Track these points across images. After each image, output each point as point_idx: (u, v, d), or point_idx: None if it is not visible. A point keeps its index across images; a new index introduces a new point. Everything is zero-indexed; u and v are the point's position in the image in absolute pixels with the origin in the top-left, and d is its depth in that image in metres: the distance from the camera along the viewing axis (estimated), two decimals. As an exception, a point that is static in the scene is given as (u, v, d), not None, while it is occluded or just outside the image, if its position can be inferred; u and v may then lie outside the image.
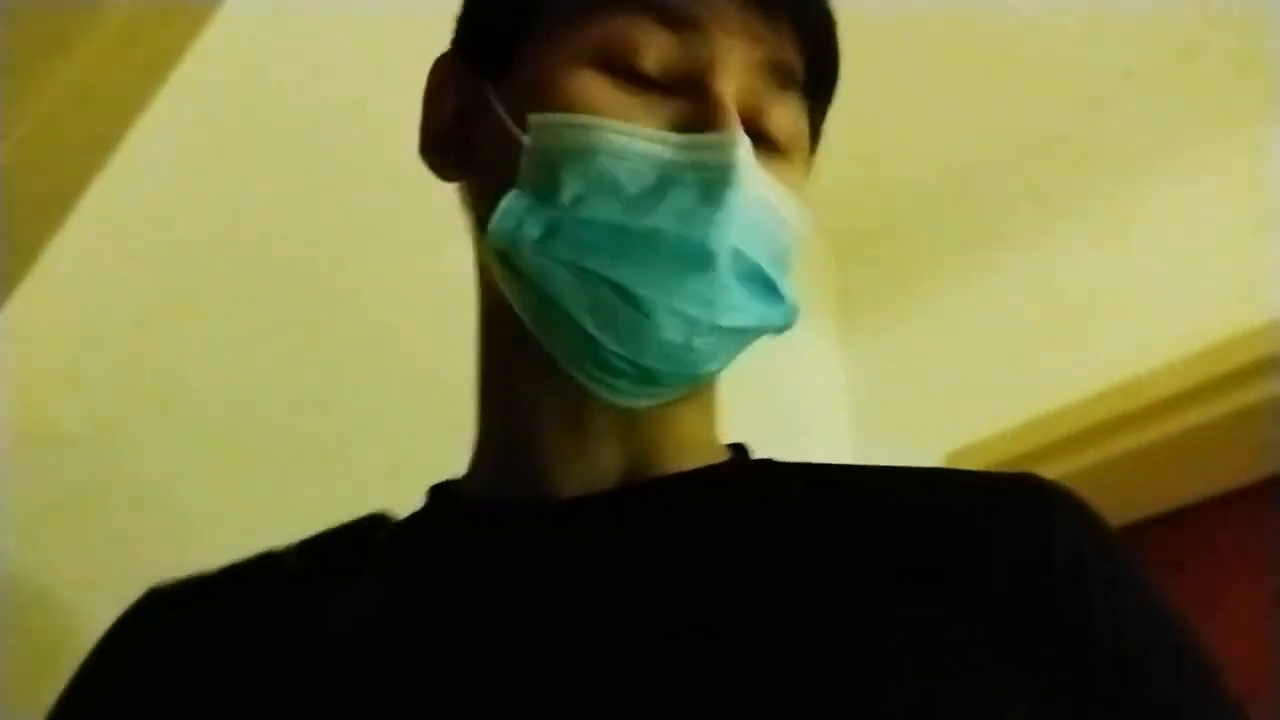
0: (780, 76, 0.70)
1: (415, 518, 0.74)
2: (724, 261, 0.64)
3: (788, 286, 0.69)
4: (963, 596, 0.62)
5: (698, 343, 0.65)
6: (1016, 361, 2.08)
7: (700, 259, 0.64)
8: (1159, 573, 0.67)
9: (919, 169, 2.30)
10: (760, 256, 0.66)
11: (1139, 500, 1.93)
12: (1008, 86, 2.11)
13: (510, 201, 0.66)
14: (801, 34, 0.71)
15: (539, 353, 0.68)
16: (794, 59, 0.70)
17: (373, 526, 0.72)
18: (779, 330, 0.70)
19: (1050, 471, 0.78)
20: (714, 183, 0.64)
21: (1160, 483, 1.96)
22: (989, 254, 2.19)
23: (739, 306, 0.66)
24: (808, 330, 2.22)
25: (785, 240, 0.69)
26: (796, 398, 2.15)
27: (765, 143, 0.69)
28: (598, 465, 0.69)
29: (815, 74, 0.72)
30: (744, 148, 0.65)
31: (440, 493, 0.75)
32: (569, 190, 0.65)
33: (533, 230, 0.65)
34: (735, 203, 0.64)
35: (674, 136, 0.65)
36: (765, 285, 0.67)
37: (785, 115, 0.70)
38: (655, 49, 0.67)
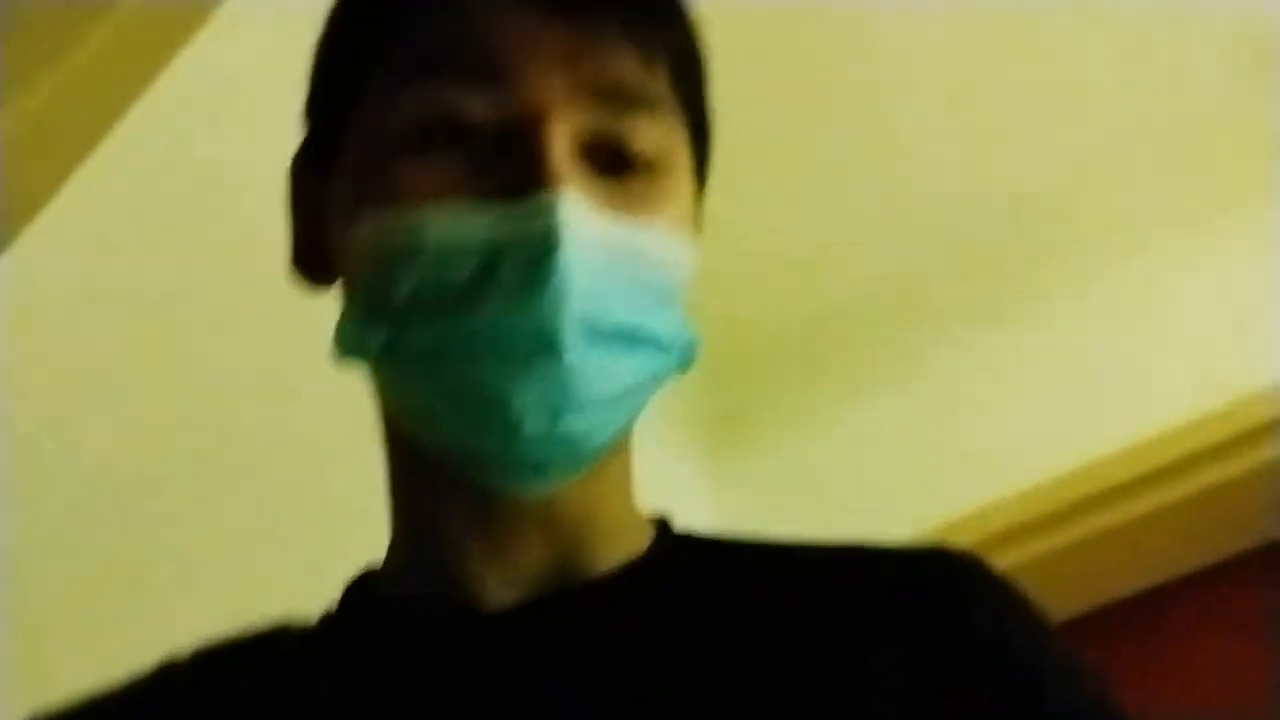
0: (621, 95, 0.63)
1: (332, 622, 0.70)
2: (569, 339, 0.59)
3: (673, 323, 0.64)
4: (888, 657, 0.63)
5: (569, 426, 0.60)
6: (886, 486, 2.15)
7: (541, 343, 0.59)
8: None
9: (790, 300, 2.38)
10: (622, 311, 0.61)
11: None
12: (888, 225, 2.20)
13: (346, 318, 0.64)
14: (637, 35, 0.64)
15: (432, 455, 0.65)
16: (632, 70, 0.63)
17: (277, 638, 0.69)
18: (680, 370, 0.66)
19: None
20: (539, 256, 0.58)
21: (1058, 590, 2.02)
22: (861, 380, 2.27)
23: (607, 375, 0.61)
24: (674, 451, 2.26)
25: (659, 275, 0.63)
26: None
27: (633, 175, 0.63)
28: (520, 564, 0.65)
29: (672, 66, 0.66)
30: (566, 204, 0.58)
31: (360, 584, 0.71)
32: (400, 290, 0.60)
33: (376, 341, 0.61)
34: (568, 270, 0.58)
35: (493, 208, 0.60)
36: (638, 338, 0.62)
37: (639, 134, 0.63)
38: (470, 109, 0.62)
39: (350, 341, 0.63)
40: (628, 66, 0.63)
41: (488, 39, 0.62)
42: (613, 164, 0.63)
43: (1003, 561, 1.85)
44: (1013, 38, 1.98)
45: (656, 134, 0.64)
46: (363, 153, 0.64)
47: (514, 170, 0.60)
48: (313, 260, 0.70)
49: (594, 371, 0.60)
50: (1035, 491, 2.01)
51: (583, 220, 0.59)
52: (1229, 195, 2.04)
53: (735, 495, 2.34)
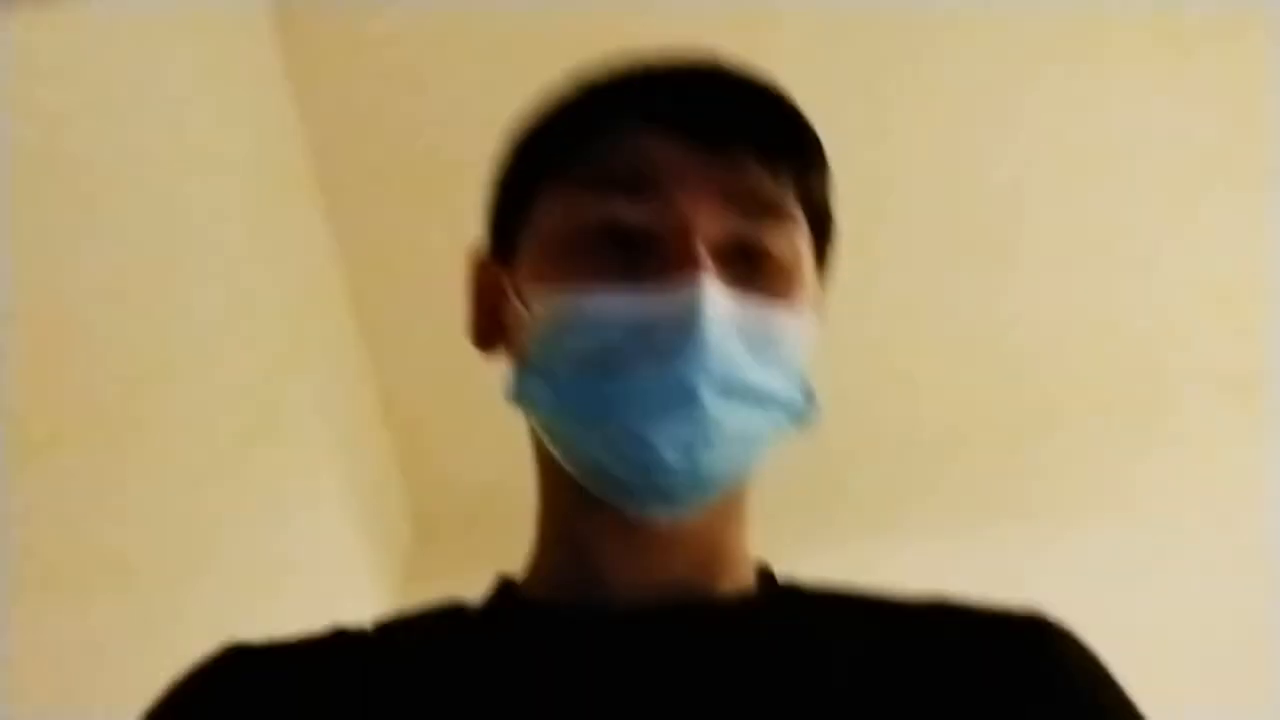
0: (753, 204, 0.76)
1: (488, 611, 0.80)
2: (706, 391, 0.71)
3: (794, 387, 0.76)
4: (980, 706, 0.71)
5: (701, 462, 0.72)
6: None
7: (683, 394, 0.71)
8: None
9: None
10: (750, 374, 0.73)
11: None
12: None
13: (520, 372, 0.77)
14: (765, 156, 0.77)
15: (582, 484, 0.76)
16: (760, 184, 0.77)
17: (451, 615, 0.80)
18: (802, 422, 0.78)
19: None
20: (683, 324, 0.71)
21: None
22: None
23: (734, 423, 0.73)
24: (367, 576, 2.24)
25: (783, 347, 0.75)
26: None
27: (761, 269, 0.76)
28: (649, 578, 0.76)
29: (796, 177, 0.78)
30: (707, 284, 0.71)
31: (505, 589, 0.82)
32: (564, 353, 0.74)
33: (543, 392, 0.75)
34: (707, 335, 0.71)
35: (647, 287, 0.72)
36: (761, 396, 0.74)
37: (770, 238, 0.76)
38: (626, 218, 0.75)
39: (521, 392, 0.76)
40: (757, 182, 0.76)
41: (642, 162, 0.76)
42: (746, 263, 0.75)
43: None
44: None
45: (782, 237, 0.77)
46: (540, 247, 0.78)
47: (662, 264, 0.73)
48: (489, 331, 0.84)
49: (724, 419, 0.72)
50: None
51: (719, 297, 0.72)
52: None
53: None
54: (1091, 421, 2.61)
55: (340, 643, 0.77)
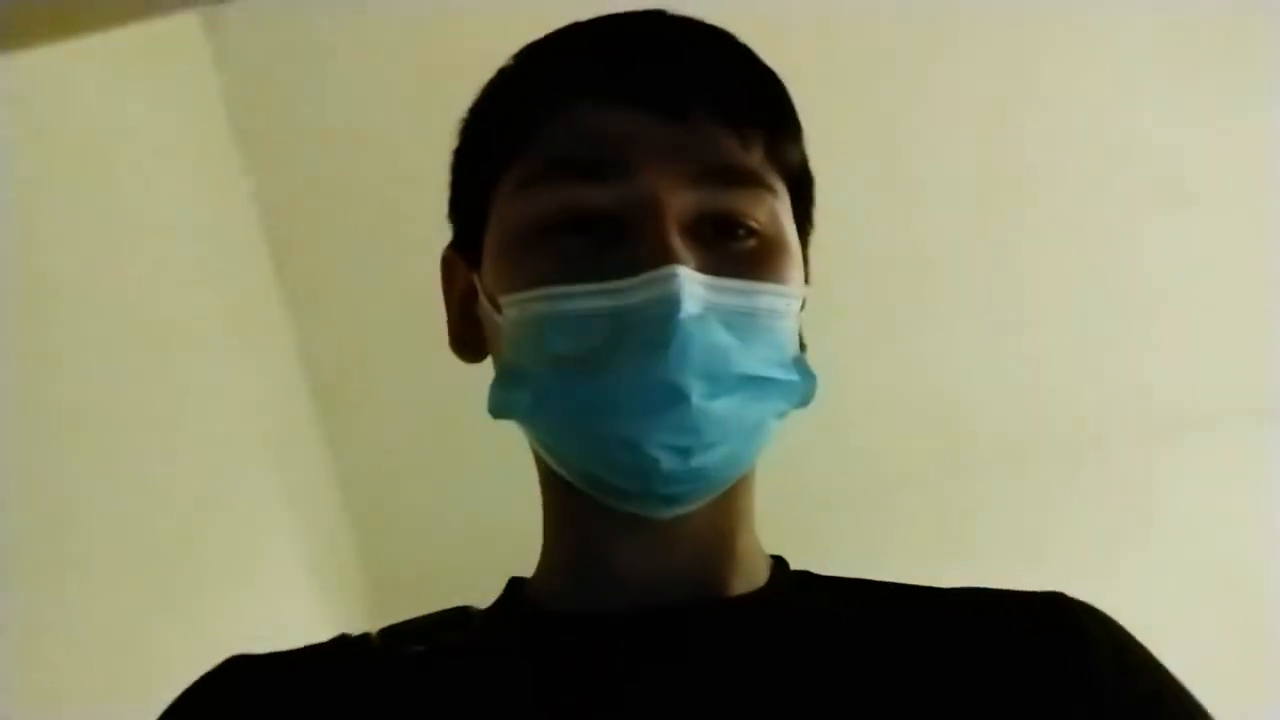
0: (724, 174, 0.71)
1: (496, 615, 0.77)
2: (695, 389, 0.67)
3: (787, 367, 0.72)
4: (1009, 690, 0.68)
5: (698, 463, 0.68)
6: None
7: (670, 395, 0.67)
8: None
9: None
10: (739, 361, 0.69)
11: None
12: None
13: (497, 383, 0.72)
14: (731, 122, 0.72)
15: (580, 489, 0.72)
16: (729, 152, 0.71)
17: (458, 619, 0.75)
18: (800, 400, 0.73)
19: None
20: (660, 319, 0.66)
21: None
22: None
23: (729, 417, 0.69)
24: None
25: (771, 326, 0.71)
26: None
27: (739, 243, 0.71)
28: (658, 577, 0.73)
29: (766, 138, 0.73)
30: (680, 273, 0.67)
31: (513, 592, 0.79)
32: (543, 357, 0.69)
33: (523, 400, 0.70)
34: (687, 329, 0.66)
35: (620, 284, 0.68)
36: (755, 382, 0.70)
37: (744, 206, 0.71)
38: (585, 203, 0.70)
39: (501, 404, 0.72)
40: (725, 149, 0.71)
41: (599, 141, 0.70)
42: (721, 233, 0.71)
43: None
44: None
45: (758, 205, 0.72)
46: (502, 245, 0.73)
47: (632, 251, 0.68)
48: (470, 340, 0.78)
49: (717, 415, 0.68)
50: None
51: (696, 285, 0.67)
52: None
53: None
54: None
55: (346, 650, 0.74)
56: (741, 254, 0.71)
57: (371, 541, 2.63)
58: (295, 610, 2.20)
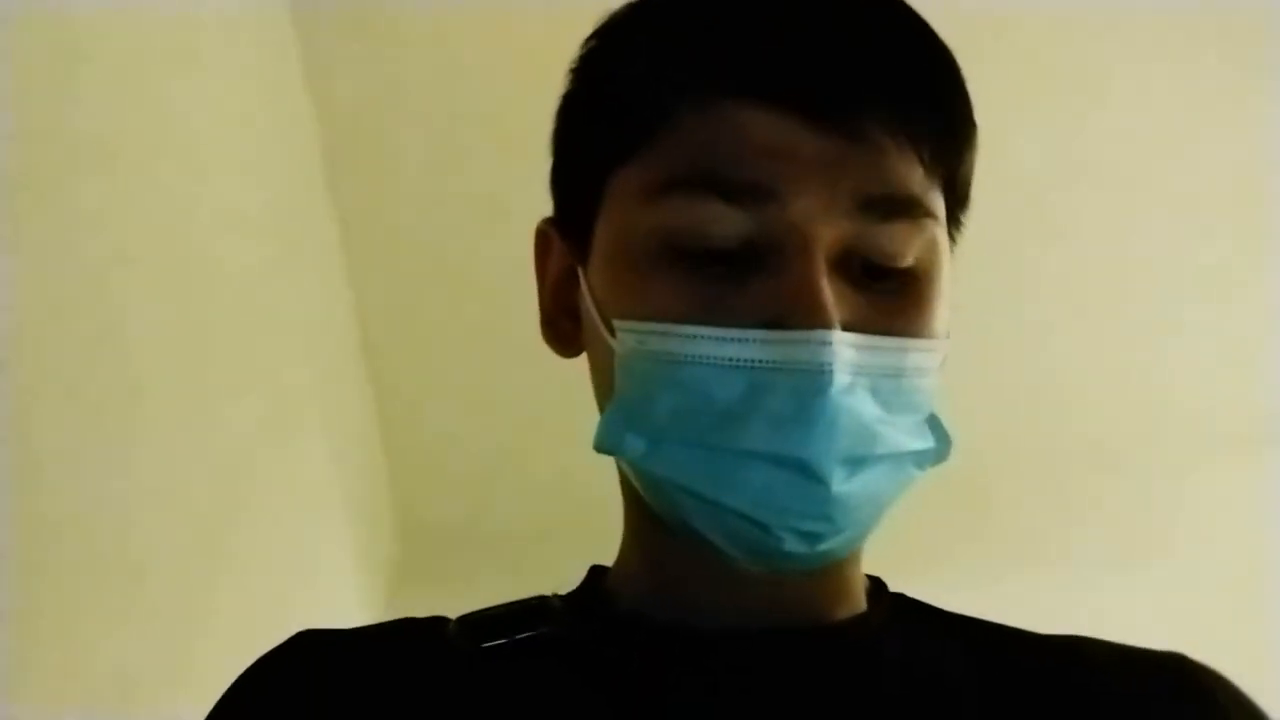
0: (888, 203, 0.61)
1: (578, 613, 0.70)
2: (837, 475, 0.60)
3: (930, 431, 0.65)
4: None
5: (828, 546, 0.62)
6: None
7: (807, 480, 0.60)
8: None
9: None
10: (884, 438, 0.61)
11: None
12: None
13: (609, 417, 0.64)
14: (902, 133, 0.61)
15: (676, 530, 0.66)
16: (894, 176, 0.61)
17: (538, 612, 0.70)
18: (935, 463, 0.66)
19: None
20: (807, 391, 0.59)
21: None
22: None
23: (865, 499, 0.62)
24: (353, 590, 2.26)
25: (918, 388, 0.63)
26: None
27: (892, 286, 0.62)
28: (748, 605, 0.66)
29: (934, 145, 0.63)
30: (837, 344, 0.58)
31: (594, 585, 0.74)
32: (662, 403, 0.61)
33: (636, 444, 0.63)
34: (835, 409, 0.59)
35: (758, 334, 0.59)
36: (896, 457, 0.62)
37: (900, 243, 0.62)
38: (728, 229, 0.60)
39: (611, 443, 0.64)
40: (890, 172, 0.61)
41: (748, 155, 0.60)
42: (871, 274, 0.62)
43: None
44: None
45: (920, 239, 0.63)
46: (621, 256, 0.64)
47: (776, 291, 0.60)
48: (562, 331, 0.71)
49: (855, 500, 0.61)
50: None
51: (848, 350, 0.59)
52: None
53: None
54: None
55: (421, 635, 0.69)
56: (893, 299, 0.62)
57: (405, 483, 2.65)
58: (329, 549, 2.24)
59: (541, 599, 0.71)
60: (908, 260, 0.62)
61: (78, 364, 1.24)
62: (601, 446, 0.64)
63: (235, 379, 1.72)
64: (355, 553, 2.36)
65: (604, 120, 0.66)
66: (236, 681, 0.68)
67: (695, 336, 0.60)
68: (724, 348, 0.60)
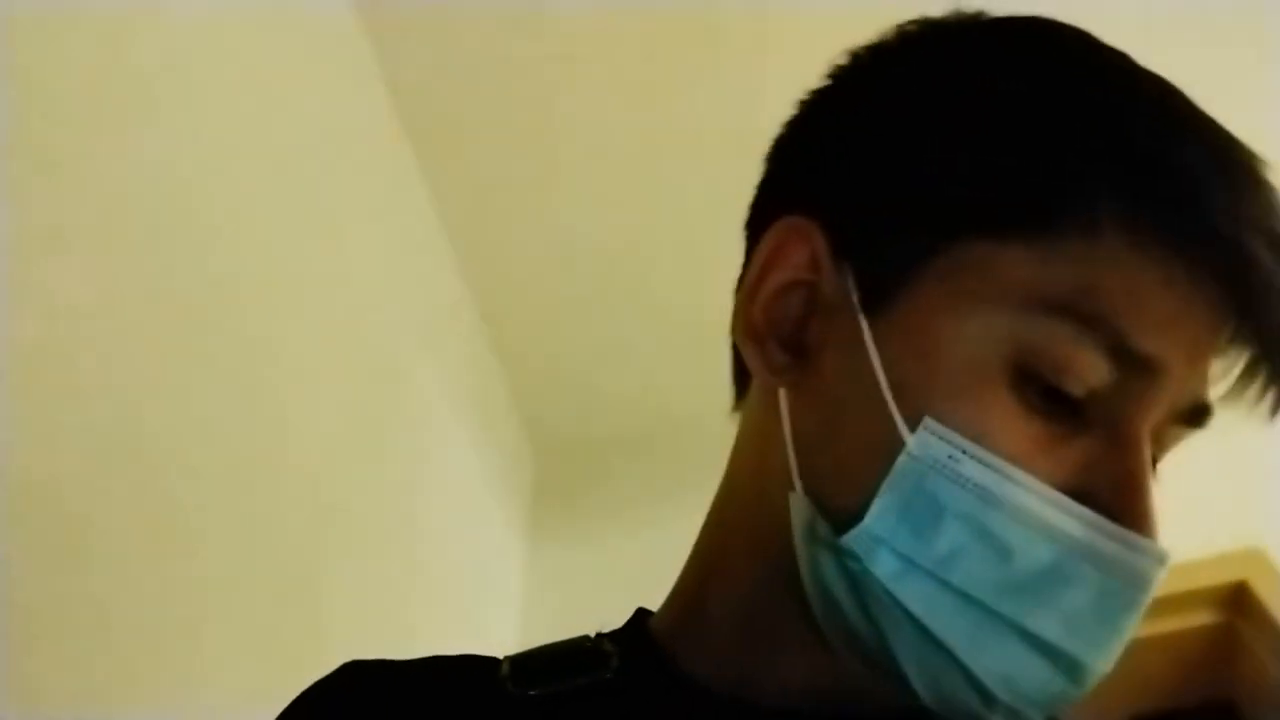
0: (1196, 418, 0.58)
1: (631, 664, 0.64)
2: (1092, 678, 0.55)
3: None
4: None
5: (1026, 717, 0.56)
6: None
7: (1068, 673, 0.55)
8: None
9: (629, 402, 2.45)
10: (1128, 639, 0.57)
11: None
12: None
13: (877, 523, 0.54)
14: (1264, 372, 0.57)
15: (806, 607, 0.59)
16: (1213, 397, 0.58)
17: (591, 658, 0.64)
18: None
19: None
20: (1115, 595, 0.54)
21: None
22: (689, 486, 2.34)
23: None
24: (499, 526, 2.32)
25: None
26: (477, 587, 2.22)
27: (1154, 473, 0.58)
28: (814, 687, 0.61)
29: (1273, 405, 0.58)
30: (1164, 565, 0.54)
31: (642, 633, 0.67)
32: (946, 536, 0.54)
33: (890, 559, 0.54)
34: (1131, 622, 0.55)
35: (1085, 514, 0.53)
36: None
37: (1176, 444, 0.59)
38: (1089, 378, 0.54)
39: (865, 549, 0.54)
40: (1212, 395, 0.58)
41: (1155, 321, 0.54)
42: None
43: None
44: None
45: (1179, 444, 0.60)
46: (948, 337, 0.55)
47: (1097, 465, 0.55)
48: (777, 345, 0.61)
49: (1081, 696, 0.56)
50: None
51: (1162, 575, 0.55)
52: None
53: (550, 580, 2.40)
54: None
55: (471, 674, 0.66)
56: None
57: (532, 409, 2.69)
58: (466, 483, 2.29)
59: (595, 644, 0.66)
60: (1168, 454, 0.59)
61: (202, 351, 1.27)
62: (852, 547, 0.55)
63: (348, 334, 1.76)
64: (491, 477, 2.41)
65: (988, 168, 0.56)
66: (285, 712, 0.65)
67: (1025, 487, 0.53)
68: (1050, 512, 0.54)
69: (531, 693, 0.62)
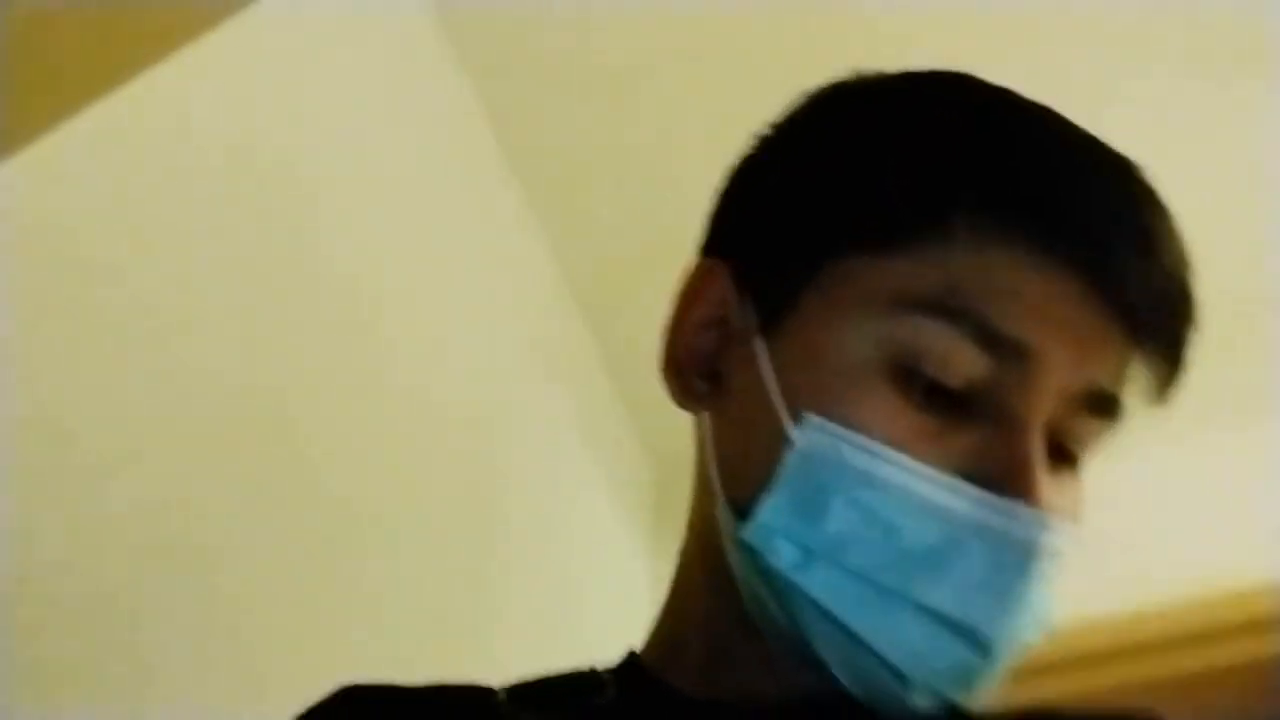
0: (1102, 405, 0.61)
1: (626, 689, 0.67)
2: (1000, 649, 0.58)
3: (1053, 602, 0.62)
4: None
5: (952, 701, 0.60)
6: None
7: (974, 647, 0.58)
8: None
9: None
10: (1038, 616, 0.60)
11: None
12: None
13: (770, 514, 0.59)
14: (1159, 350, 0.61)
15: (757, 625, 0.63)
16: (1120, 382, 0.61)
17: (589, 686, 0.67)
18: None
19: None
20: (1008, 565, 0.57)
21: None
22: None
23: (1002, 668, 0.60)
24: (621, 540, 2.33)
25: (1062, 571, 0.61)
26: (600, 599, 2.23)
27: (1067, 472, 0.62)
28: (769, 699, 0.64)
29: (1166, 375, 0.62)
30: (1053, 531, 0.57)
31: (636, 665, 0.70)
32: (837, 521, 0.57)
33: (790, 553, 0.58)
34: (1028, 590, 0.57)
35: (973, 491, 0.57)
36: (1036, 629, 0.61)
37: (1090, 436, 0.62)
38: (966, 369, 0.58)
39: (763, 540, 0.59)
40: (1122, 374, 0.61)
41: (1020, 308, 0.58)
42: (1055, 455, 0.61)
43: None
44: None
45: (1100, 437, 0.63)
46: (835, 347, 0.60)
47: (989, 452, 0.58)
48: (692, 386, 0.67)
49: (996, 670, 0.60)
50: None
51: (1055, 547, 0.58)
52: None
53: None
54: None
55: (466, 701, 0.67)
56: (1066, 483, 0.62)
57: (648, 421, 2.69)
58: (590, 501, 2.30)
59: (593, 670, 0.68)
60: (1084, 451, 0.62)
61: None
62: (750, 540, 0.59)
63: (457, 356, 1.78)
64: (613, 495, 2.43)
65: (857, 192, 0.62)
66: None
67: (904, 465, 0.57)
68: (932, 489, 0.57)
69: (526, 716, 0.63)
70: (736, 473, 0.63)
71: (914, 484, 0.57)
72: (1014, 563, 0.57)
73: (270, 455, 1.19)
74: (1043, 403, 0.58)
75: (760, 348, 0.63)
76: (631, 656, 0.70)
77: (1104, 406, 0.61)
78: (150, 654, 1.03)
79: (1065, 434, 0.61)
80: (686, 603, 0.69)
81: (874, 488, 0.57)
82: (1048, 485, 0.58)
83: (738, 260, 0.67)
